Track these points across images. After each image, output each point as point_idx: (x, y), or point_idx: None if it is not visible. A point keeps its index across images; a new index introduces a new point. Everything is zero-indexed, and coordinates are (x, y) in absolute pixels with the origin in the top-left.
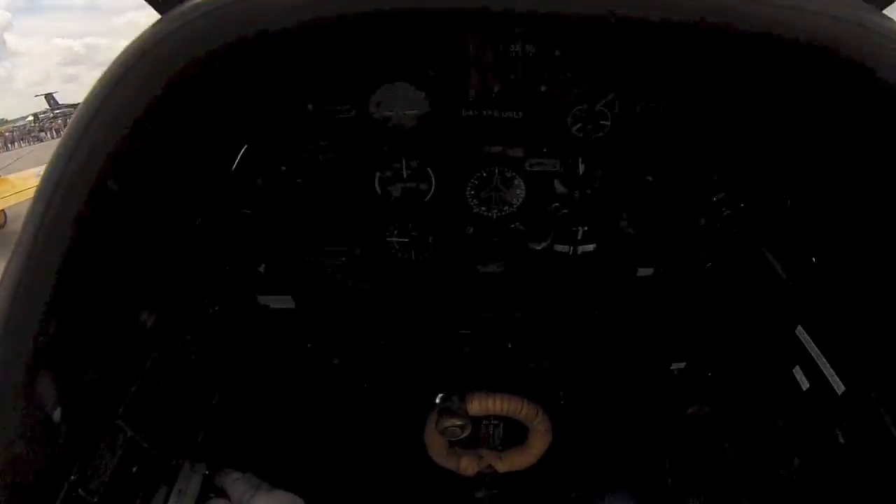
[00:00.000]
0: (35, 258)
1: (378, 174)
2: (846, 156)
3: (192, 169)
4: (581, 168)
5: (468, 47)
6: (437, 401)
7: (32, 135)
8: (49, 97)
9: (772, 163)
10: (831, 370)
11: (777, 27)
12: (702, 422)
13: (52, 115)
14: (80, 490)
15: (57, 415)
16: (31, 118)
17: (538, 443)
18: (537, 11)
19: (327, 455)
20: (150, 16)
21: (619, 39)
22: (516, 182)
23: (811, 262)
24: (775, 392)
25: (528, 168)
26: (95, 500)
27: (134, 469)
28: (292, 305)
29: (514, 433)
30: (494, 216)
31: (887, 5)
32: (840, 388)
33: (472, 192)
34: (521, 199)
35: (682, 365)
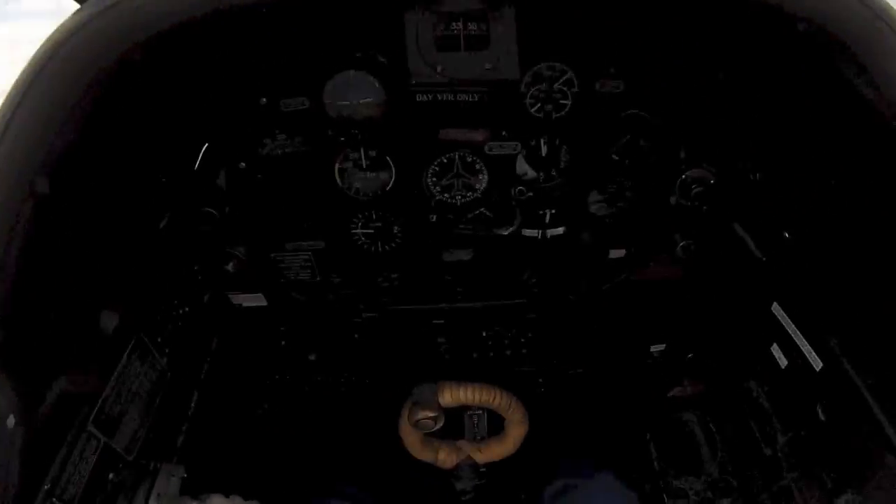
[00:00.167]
0: None
1: (337, 165)
2: (815, 127)
3: (149, 169)
4: (544, 150)
5: (409, 28)
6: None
7: None
8: None
9: (740, 137)
10: (808, 346)
11: None
12: (685, 403)
13: None
14: (54, 499)
15: (10, 421)
16: None
17: (515, 432)
18: None
19: (308, 452)
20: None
21: (574, 9)
22: (478, 167)
23: (784, 238)
24: (756, 370)
25: (488, 152)
26: None
27: (110, 475)
28: (265, 303)
29: (499, 423)
30: (459, 202)
31: None
32: (818, 364)
33: (434, 179)
34: (483, 185)
35: (662, 347)
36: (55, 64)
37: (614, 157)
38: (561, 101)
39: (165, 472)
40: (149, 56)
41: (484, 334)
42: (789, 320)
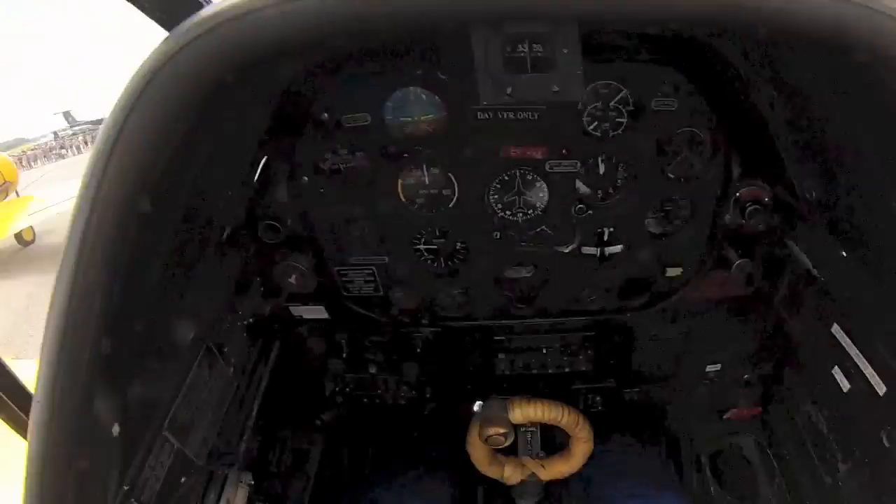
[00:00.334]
0: (80, 282)
1: (401, 181)
2: (872, 146)
3: (215, 182)
4: (601, 168)
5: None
6: (476, 409)
7: (54, 152)
8: (67, 115)
9: (795, 155)
10: (871, 370)
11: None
12: (742, 426)
13: (70, 132)
14: (132, 500)
15: (115, 429)
16: (51, 136)
17: (580, 450)
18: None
19: (372, 467)
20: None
21: (630, 35)
22: (538, 184)
23: (841, 257)
24: (815, 394)
25: (548, 170)
26: None
27: (182, 479)
28: (326, 315)
29: (549, 439)
30: (520, 220)
31: None
32: (881, 388)
33: (496, 197)
34: (544, 202)
35: (718, 367)
36: (153, 89)
37: (669, 175)
38: (617, 120)
39: (233, 479)
40: (239, 76)
41: (543, 351)
42: (850, 342)
